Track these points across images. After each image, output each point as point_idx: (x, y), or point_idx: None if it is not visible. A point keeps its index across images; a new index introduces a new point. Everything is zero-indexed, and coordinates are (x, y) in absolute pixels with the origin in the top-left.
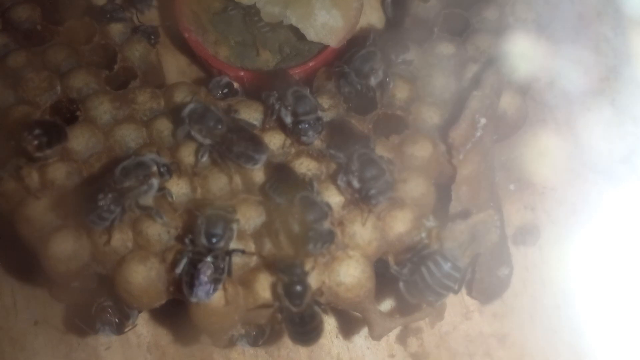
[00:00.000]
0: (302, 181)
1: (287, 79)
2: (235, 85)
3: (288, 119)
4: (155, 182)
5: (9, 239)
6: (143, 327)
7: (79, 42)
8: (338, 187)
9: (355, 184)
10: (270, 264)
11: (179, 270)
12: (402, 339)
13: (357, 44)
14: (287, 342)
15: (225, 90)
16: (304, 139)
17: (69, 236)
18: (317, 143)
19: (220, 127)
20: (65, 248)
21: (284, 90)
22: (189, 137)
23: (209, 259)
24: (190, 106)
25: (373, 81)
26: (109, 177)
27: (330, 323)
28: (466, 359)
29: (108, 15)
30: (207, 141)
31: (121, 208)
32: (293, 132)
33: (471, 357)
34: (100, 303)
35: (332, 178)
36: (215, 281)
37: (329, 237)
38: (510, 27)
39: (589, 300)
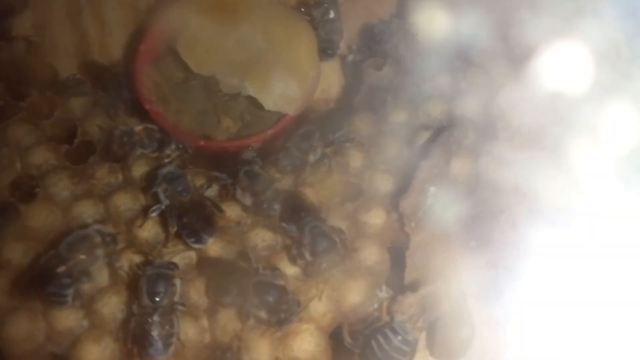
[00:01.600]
0: (242, 269)
1: (237, 157)
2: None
3: (247, 201)
4: (100, 252)
5: None
6: None
7: (41, 116)
8: (292, 259)
9: (308, 256)
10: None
11: (130, 342)
12: None
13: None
14: None
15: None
16: (271, 212)
17: (24, 317)
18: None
19: (185, 195)
20: (20, 330)
21: (236, 172)
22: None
23: (155, 317)
24: (169, 168)
25: (312, 158)
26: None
27: None
28: None
29: (69, 90)
30: (166, 202)
31: (75, 282)
32: (258, 212)
33: None
34: None
35: (287, 249)
36: (167, 337)
37: (297, 308)
38: (462, 93)
39: (554, 356)
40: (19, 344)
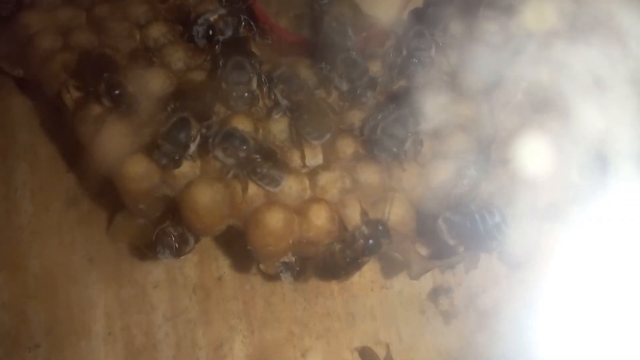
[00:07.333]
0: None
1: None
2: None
3: (344, 86)
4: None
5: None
6: (191, 270)
7: (156, 0)
8: None
9: None
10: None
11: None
12: (433, 298)
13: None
14: (324, 290)
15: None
16: (364, 100)
17: (143, 159)
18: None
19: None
20: (139, 168)
21: (333, 59)
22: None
23: None
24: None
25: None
26: None
27: (365, 277)
28: (493, 319)
29: None
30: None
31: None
32: (353, 99)
33: (498, 318)
34: (162, 228)
35: None
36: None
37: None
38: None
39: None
40: (137, 181)
